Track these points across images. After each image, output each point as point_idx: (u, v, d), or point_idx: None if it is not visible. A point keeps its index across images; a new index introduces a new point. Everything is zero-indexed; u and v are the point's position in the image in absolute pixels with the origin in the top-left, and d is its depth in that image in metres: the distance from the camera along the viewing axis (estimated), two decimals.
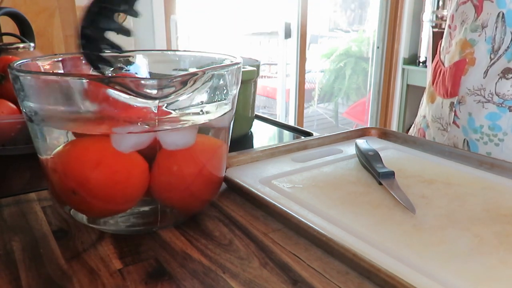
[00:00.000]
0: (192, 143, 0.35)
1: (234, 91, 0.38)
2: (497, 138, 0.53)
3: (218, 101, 0.36)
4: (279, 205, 0.39)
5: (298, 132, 0.76)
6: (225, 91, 0.37)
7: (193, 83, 0.32)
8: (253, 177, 0.46)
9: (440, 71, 0.62)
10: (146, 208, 0.36)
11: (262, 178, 0.46)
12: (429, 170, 0.49)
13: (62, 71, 0.42)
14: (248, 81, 0.67)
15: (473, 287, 0.29)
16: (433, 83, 0.64)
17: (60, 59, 0.42)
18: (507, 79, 0.51)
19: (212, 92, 0.35)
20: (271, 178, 0.46)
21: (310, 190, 0.44)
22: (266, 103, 3.68)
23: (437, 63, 0.65)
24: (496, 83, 0.51)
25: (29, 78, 0.32)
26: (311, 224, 0.35)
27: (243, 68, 0.63)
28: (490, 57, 0.52)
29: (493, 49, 0.52)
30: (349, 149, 0.54)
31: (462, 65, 0.55)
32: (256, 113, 0.79)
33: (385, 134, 0.61)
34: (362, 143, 0.52)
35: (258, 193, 0.41)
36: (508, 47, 0.51)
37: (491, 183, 0.45)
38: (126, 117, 0.33)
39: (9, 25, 1.04)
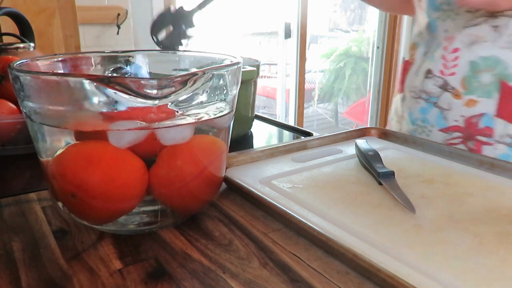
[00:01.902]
0: (190, 137, 0.35)
1: (234, 91, 0.38)
2: (427, 129, 0.60)
3: (218, 101, 0.37)
4: (279, 205, 0.39)
5: (298, 132, 0.76)
6: (225, 91, 0.37)
7: (193, 83, 0.32)
8: (253, 177, 0.46)
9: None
10: (146, 208, 0.36)
11: (262, 178, 0.46)
12: (429, 170, 0.49)
13: (62, 71, 0.42)
14: (248, 81, 0.67)
15: (473, 287, 0.29)
16: None
17: (60, 59, 0.42)
18: (428, 78, 0.59)
19: (212, 92, 0.35)
20: (271, 178, 0.46)
21: (310, 190, 0.44)
22: (266, 103, 3.68)
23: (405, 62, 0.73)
24: (423, 82, 0.59)
25: (29, 78, 0.32)
26: (311, 224, 0.35)
27: (243, 68, 0.63)
28: (423, 59, 0.60)
29: (424, 52, 0.60)
30: (349, 149, 0.54)
31: (407, 65, 0.63)
32: (256, 113, 0.79)
33: (385, 134, 0.61)
34: (362, 143, 0.52)
35: (258, 193, 0.41)
36: (433, 50, 0.59)
37: (491, 183, 0.45)
38: (126, 117, 0.33)
39: (9, 25, 1.04)
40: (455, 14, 0.54)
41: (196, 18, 0.65)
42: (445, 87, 0.57)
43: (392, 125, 0.71)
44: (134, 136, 0.33)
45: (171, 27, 0.64)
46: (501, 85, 0.53)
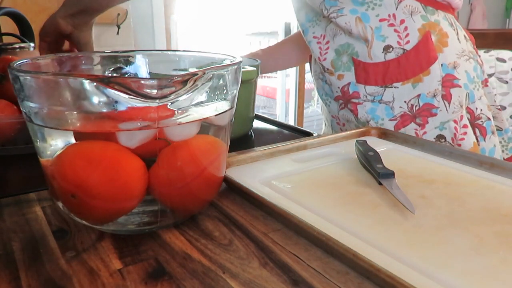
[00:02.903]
0: (196, 133, 0.36)
1: (234, 91, 0.38)
2: (328, 101, 0.79)
3: (218, 101, 0.37)
4: (279, 205, 0.39)
5: (298, 132, 0.76)
6: (225, 91, 0.37)
7: (193, 83, 0.32)
8: (253, 177, 0.46)
9: None
10: (146, 208, 0.36)
11: (262, 178, 0.46)
12: (429, 170, 0.49)
13: (62, 71, 0.42)
14: (248, 81, 0.67)
15: (473, 287, 0.29)
16: None
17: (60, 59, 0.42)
18: (315, 63, 0.80)
19: (212, 92, 0.35)
20: (271, 178, 0.46)
21: (310, 190, 0.44)
22: (266, 103, 3.68)
23: None
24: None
25: (29, 78, 0.32)
26: (311, 224, 0.35)
27: (243, 68, 0.63)
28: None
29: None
30: (349, 149, 0.54)
31: (310, 59, 0.85)
32: (256, 113, 0.79)
33: (385, 134, 0.61)
34: (362, 143, 0.52)
35: (258, 193, 0.41)
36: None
37: (491, 183, 0.45)
38: (127, 118, 0.33)
39: (9, 25, 1.05)
40: (319, 21, 0.77)
41: None
42: (323, 69, 0.77)
43: (322, 106, 0.89)
44: (144, 135, 0.33)
45: None
46: (353, 60, 0.73)
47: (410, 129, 0.71)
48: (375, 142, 0.57)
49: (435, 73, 0.70)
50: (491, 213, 0.39)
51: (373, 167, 0.46)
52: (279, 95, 3.00)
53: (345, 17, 0.71)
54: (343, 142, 0.59)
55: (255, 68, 0.68)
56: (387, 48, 0.70)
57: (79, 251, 0.35)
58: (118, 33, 1.98)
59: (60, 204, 0.36)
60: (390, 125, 0.72)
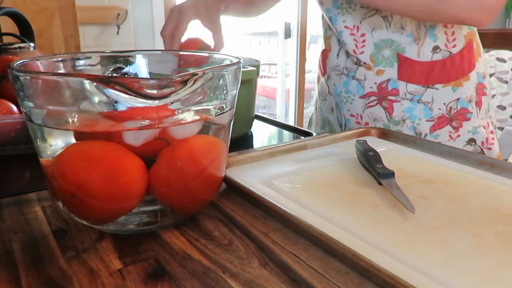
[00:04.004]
0: (196, 132, 0.36)
1: (234, 91, 0.38)
2: (350, 98, 0.77)
3: (218, 100, 0.37)
4: (279, 205, 0.39)
5: (298, 132, 0.76)
6: (225, 91, 0.37)
7: (193, 83, 0.32)
8: (253, 177, 0.46)
9: None
10: (146, 208, 0.36)
11: (262, 178, 0.46)
12: (429, 170, 0.49)
13: (62, 71, 0.42)
14: (248, 81, 0.67)
15: (473, 287, 0.29)
16: None
17: (60, 59, 0.42)
18: (348, 57, 0.77)
19: (212, 92, 0.35)
20: (271, 178, 0.46)
21: (310, 190, 0.44)
22: (266, 103, 3.68)
23: None
24: (345, 61, 0.76)
25: (29, 78, 0.32)
26: (311, 224, 0.35)
27: (243, 68, 0.63)
28: (338, 44, 0.78)
29: (338, 39, 0.78)
30: (349, 149, 0.54)
31: (326, 52, 0.81)
32: (256, 113, 0.79)
33: (385, 134, 0.61)
34: (362, 143, 0.52)
35: (258, 193, 0.41)
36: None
37: (491, 183, 0.45)
38: (127, 117, 0.33)
39: (9, 25, 1.05)
40: (352, 10, 0.73)
41: None
42: (359, 63, 0.75)
43: (318, 105, 0.89)
44: (146, 135, 0.33)
45: None
46: (398, 57, 0.72)
47: (445, 131, 0.72)
48: (375, 142, 0.57)
49: (472, 79, 0.72)
50: (491, 213, 0.39)
51: (373, 167, 0.46)
52: (279, 95, 3.00)
53: None
54: (343, 142, 0.59)
55: (255, 68, 0.68)
56: (435, 49, 0.71)
57: (79, 251, 0.35)
58: (118, 33, 1.98)
59: (60, 204, 0.36)
60: (426, 126, 0.72)
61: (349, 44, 0.75)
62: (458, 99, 0.72)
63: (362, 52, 0.74)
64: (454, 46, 0.71)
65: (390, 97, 0.73)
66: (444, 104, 0.72)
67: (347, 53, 0.77)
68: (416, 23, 0.70)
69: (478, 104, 0.73)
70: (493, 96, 2.01)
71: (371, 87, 0.74)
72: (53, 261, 0.33)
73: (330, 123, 0.85)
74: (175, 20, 0.73)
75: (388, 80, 0.73)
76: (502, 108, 2.04)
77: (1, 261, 0.33)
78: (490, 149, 0.75)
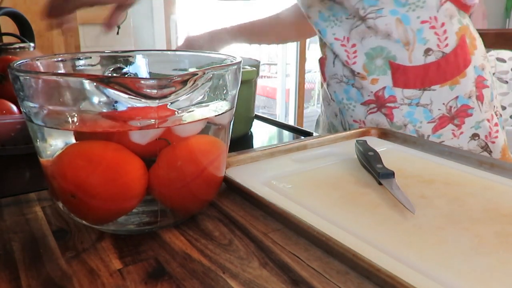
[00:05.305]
0: (196, 132, 0.36)
1: (234, 91, 0.38)
2: (352, 105, 0.77)
3: (218, 101, 0.37)
4: (279, 205, 0.39)
5: (298, 132, 0.76)
6: (225, 91, 0.37)
7: (193, 83, 0.32)
8: (252, 177, 0.46)
9: None
10: (146, 208, 0.36)
11: (262, 178, 0.46)
12: (429, 170, 0.49)
13: (62, 71, 0.42)
14: (248, 81, 0.67)
15: (473, 287, 0.29)
16: None
17: (60, 59, 0.42)
18: (344, 66, 0.76)
19: (212, 92, 0.35)
20: (271, 178, 0.46)
21: (310, 190, 0.44)
22: (266, 103, 3.68)
23: None
24: (342, 69, 0.76)
25: (29, 78, 0.32)
26: (311, 224, 0.35)
27: (243, 68, 0.63)
28: (332, 53, 0.78)
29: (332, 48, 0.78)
30: (349, 149, 0.54)
31: (323, 60, 0.81)
32: (256, 113, 0.79)
33: (385, 134, 0.61)
34: (362, 143, 0.52)
35: (258, 193, 0.41)
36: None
37: (491, 183, 0.45)
38: (127, 117, 0.33)
39: (9, 25, 1.04)
40: (340, 22, 0.74)
41: None
42: (353, 73, 0.74)
43: (323, 109, 0.90)
44: (148, 135, 0.33)
45: None
46: (390, 64, 0.71)
47: (448, 130, 0.72)
48: (375, 142, 0.57)
49: (470, 75, 0.71)
50: (491, 213, 0.39)
51: (373, 167, 0.46)
52: (279, 95, 3.00)
53: (384, 18, 0.70)
54: (343, 142, 0.59)
55: (255, 68, 0.68)
56: (427, 51, 0.70)
57: (79, 251, 0.35)
58: (118, 33, 1.98)
59: (60, 204, 0.36)
60: (428, 128, 0.72)
61: (341, 55, 0.75)
62: (457, 97, 0.71)
63: (354, 63, 0.74)
64: (447, 45, 0.70)
65: (388, 104, 0.73)
66: (443, 104, 0.71)
67: (342, 63, 0.77)
68: (402, 28, 0.70)
69: (480, 98, 0.72)
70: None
71: (368, 95, 0.74)
72: (53, 261, 0.33)
73: (335, 128, 0.85)
74: None
75: (384, 88, 0.72)
76: (502, 108, 2.04)
77: (1, 261, 0.33)
78: (494, 142, 0.74)
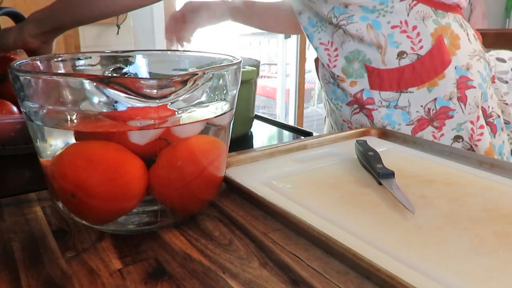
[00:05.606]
0: (196, 133, 0.36)
1: (234, 91, 0.38)
2: (339, 105, 0.78)
3: (218, 101, 0.37)
4: (279, 205, 0.39)
5: (298, 132, 0.76)
6: (225, 91, 0.37)
7: (193, 83, 0.32)
8: (252, 177, 0.46)
9: None
10: (146, 208, 0.36)
11: (262, 178, 0.46)
12: (429, 170, 0.49)
13: (62, 71, 0.42)
14: (248, 81, 0.67)
15: (473, 287, 0.29)
16: None
17: (60, 59, 0.42)
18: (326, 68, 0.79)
19: (212, 92, 0.35)
20: (271, 178, 0.46)
21: (310, 190, 0.44)
22: (266, 103, 3.68)
23: None
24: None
25: (29, 78, 0.32)
26: (311, 224, 0.35)
27: (243, 68, 0.63)
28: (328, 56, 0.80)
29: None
30: (349, 149, 0.54)
31: (317, 61, 0.83)
32: (256, 113, 0.79)
33: (385, 134, 0.61)
34: (362, 143, 0.52)
35: (258, 193, 0.41)
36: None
37: (491, 183, 0.45)
38: (127, 117, 0.33)
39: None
40: (325, 27, 0.76)
41: None
42: (333, 76, 0.76)
43: (327, 108, 0.90)
44: (148, 134, 0.33)
45: None
46: (366, 67, 0.72)
47: (428, 132, 0.71)
48: (375, 142, 0.57)
49: (449, 76, 0.70)
50: (491, 213, 0.39)
51: (373, 167, 0.46)
52: (279, 95, 3.00)
53: (355, 24, 0.71)
54: (343, 142, 0.59)
55: (255, 68, 0.68)
56: (401, 54, 0.70)
57: (79, 251, 0.35)
58: (118, 33, 1.98)
59: (60, 204, 0.36)
60: (407, 130, 0.71)
61: (324, 58, 0.76)
62: (435, 99, 0.70)
63: (334, 66, 0.75)
64: (421, 47, 0.70)
65: (367, 106, 0.73)
66: (421, 106, 0.71)
67: (323, 65, 0.79)
68: (373, 32, 0.70)
69: (462, 99, 0.71)
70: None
71: (351, 96, 0.75)
72: (53, 261, 0.33)
73: (333, 127, 0.86)
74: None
75: (362, 90, 0.73)
76: None
77: (1, 261, 0.33)
78: (476, 145, 0.72)
